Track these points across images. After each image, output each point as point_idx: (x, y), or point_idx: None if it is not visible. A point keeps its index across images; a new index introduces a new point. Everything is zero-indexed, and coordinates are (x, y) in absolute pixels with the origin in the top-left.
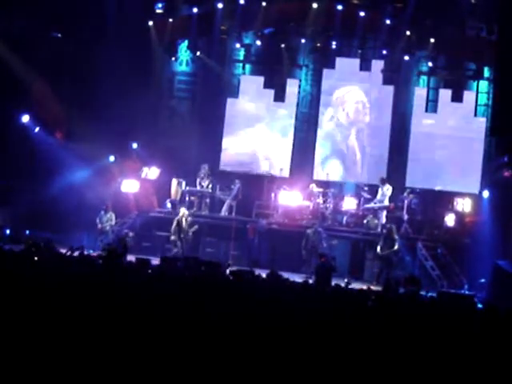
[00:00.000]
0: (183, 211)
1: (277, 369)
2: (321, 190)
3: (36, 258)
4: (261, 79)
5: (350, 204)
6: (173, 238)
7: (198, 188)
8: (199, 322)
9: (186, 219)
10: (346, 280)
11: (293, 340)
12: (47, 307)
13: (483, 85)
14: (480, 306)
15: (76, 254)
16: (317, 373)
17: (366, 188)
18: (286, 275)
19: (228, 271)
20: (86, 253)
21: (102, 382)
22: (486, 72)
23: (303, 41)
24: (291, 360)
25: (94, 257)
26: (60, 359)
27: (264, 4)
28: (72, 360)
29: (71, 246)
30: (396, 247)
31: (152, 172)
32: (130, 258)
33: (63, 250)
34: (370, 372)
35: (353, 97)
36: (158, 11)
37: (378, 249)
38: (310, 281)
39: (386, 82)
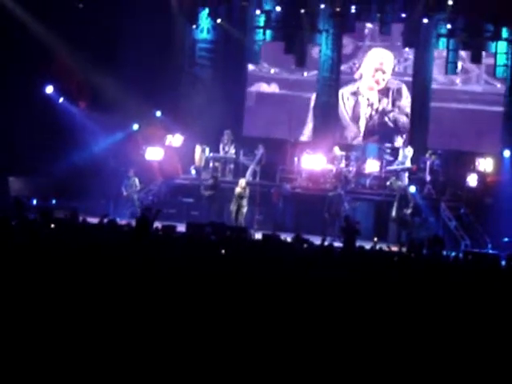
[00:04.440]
0: (243, 183)
1: (305, 327)
2: (343, 153)
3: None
4: (280, 45)
5: (372, 166)
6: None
7: (222, 154)
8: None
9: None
10: (375, 239)
11: (319, 299)
12: (72, 276)
13: (502, 46)
14: (503, 263)
15: (105, 221)
16: (343, 331)
17: (388, 150)
18: (311, 238)
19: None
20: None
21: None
22: (505, 33)
23: (322, 6)
24: (318, 316)
25: (121, 225)
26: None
27: None
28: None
29: (103, 214)
30: (411, 208)
31: (176, 139)
32: (156, 224)
33: (91, 219)
34: (395, 330)
35: (375, 60)
36: None
37: (393, 211)
38: (335, 243)
39: (406, 45)
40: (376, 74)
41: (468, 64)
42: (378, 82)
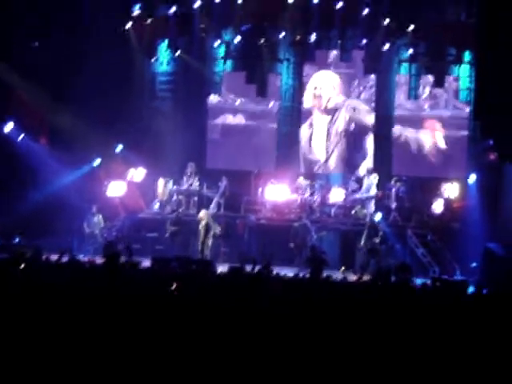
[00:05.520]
0: (203, 214)
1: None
2: (308, 182)
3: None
4: (242, 75)
5: (337, 195)
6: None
7: (186, 187)
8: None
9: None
10: (342, 269)
11: (288, 331)
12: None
13: (465, 69)
14: (471, 289)
15: (65, 259)
16: (309, 363)
17: (352, 178)
18: (277, 269)
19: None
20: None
21: None
22: (467, 56)
23: (282, 35)
24: (284, 350)
25: (84, 262)
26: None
27: (240, 0)
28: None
29: (61, 251)
30: (380, 237)
31: (138, 173)
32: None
33: (55, 257)
34: (364, 360)
35: (326, 82)
36: (136, 12)
37: (362, 240)
38: (301, 274)
39: (367, 71)
40: (315, 94)
41: (437, 89)
42: (319, 103)
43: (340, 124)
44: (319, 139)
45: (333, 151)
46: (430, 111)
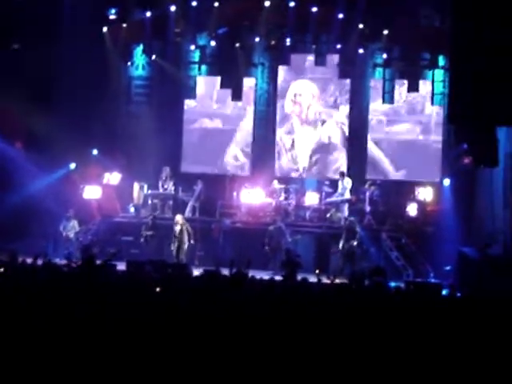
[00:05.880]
0: (180, 219)
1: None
2: (283, 186)
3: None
4: (217, 79)
5: (312, 199)
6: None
7: (161, 191)
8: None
9: (186, 227)
10: (317, 271)
11: (264, 334)
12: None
13: (439, 74)
14: (445, 292)
15: (39, 262)
16: (285, 365)
17: (326, 182)
18: (252, 272)
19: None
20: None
21: None
22: (441, 61)
23: (257, 39)
24: (258, 354)
25: (60, 265)
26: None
27: (216, 4)
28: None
29: (35, 255)
30: (357, 240)
31: (114, 177)
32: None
33: (30, 260)
34: (339, 362)
35: (305, 90)
36: (112, 17)
37: (341, 243)
38: (277, 277)
39: (341, 75)
40: (295, 101)
41: (413, 94)
42: (299, 110)
43: (325, 136)
44: (301, 149)
45: (316, 162)
46: (408, 116)
